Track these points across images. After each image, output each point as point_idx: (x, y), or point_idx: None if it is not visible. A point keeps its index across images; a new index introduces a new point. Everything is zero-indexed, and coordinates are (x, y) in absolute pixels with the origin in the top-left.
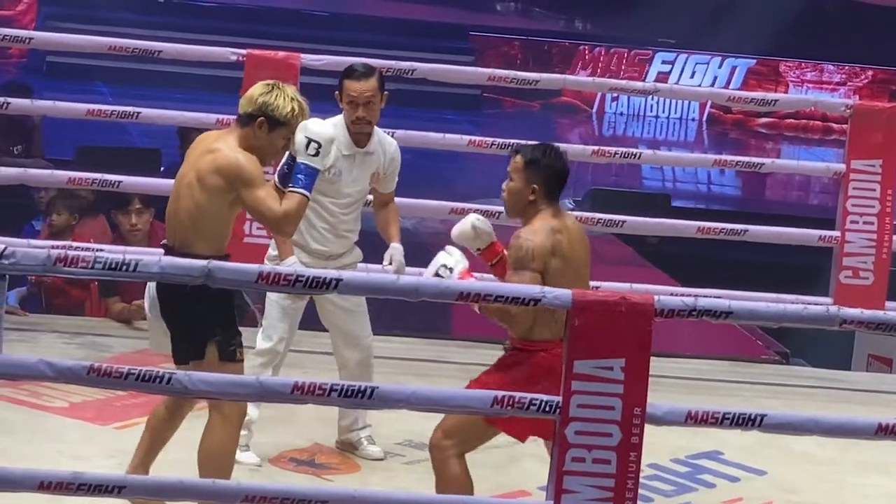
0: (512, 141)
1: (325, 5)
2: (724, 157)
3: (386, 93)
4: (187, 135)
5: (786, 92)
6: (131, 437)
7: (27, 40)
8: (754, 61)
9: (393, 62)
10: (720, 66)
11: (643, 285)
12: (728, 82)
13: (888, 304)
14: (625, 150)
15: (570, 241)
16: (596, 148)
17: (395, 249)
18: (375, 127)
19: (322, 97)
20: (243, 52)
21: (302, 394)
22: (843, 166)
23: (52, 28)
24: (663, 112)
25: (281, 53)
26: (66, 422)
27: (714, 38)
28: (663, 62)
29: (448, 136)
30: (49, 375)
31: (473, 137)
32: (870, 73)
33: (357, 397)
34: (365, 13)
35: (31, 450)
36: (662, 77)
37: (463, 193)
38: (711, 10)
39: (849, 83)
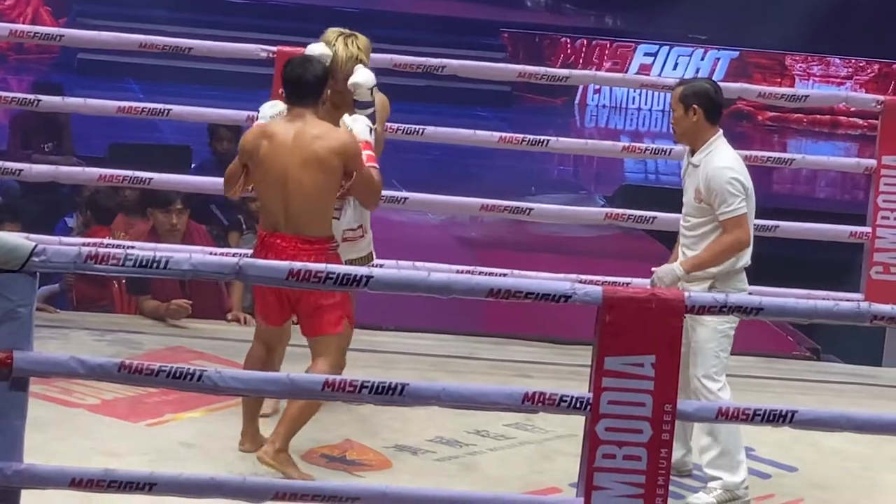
0: (542, 137)
1: (355, 2)
2: (754, 153)
3: (695, 106)
4: (217, 131)
5: (791, 85)
6: (163, 434)
7: (58, 37)
8: (737, 53)
9: (424, 59)
10: (702, 59)
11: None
12: (711, 74)
13: None
14: (655, 146)
15: (275, 143)
16: (627, 144)
17: (664, 268)
18: (715, 143)
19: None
20: (274, 48)
21: (333, 391)
22: (873, 162)
23: (83, 25)
24: (645, 104)
25: None
26: (97, 419)
27: (745, 32)
28: (645, 54)
29: (479, 132)
30: (80, 372)
31: (504, 134)
32: (875, 66)
33: (388, 394)
34: (396, 10)
35: (62, 447)
36: (645, 69)
37: (493, 190)
38: (739, 7)
39: (855, 77)
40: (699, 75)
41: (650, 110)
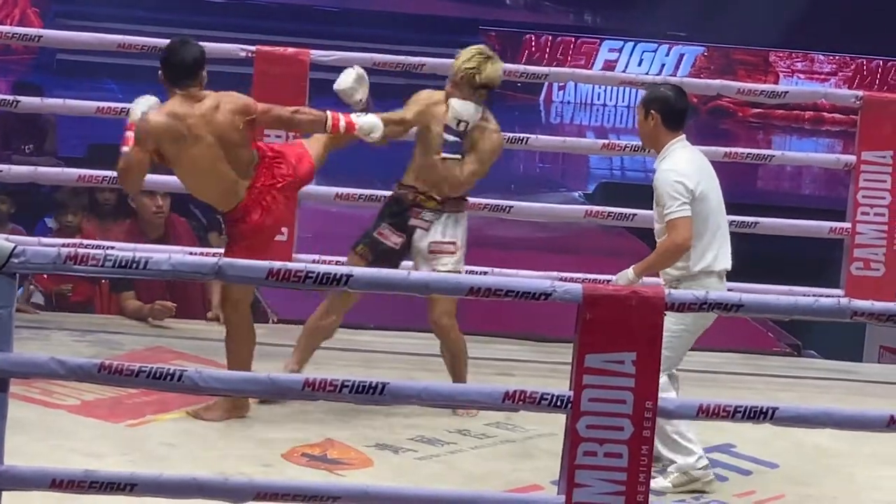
0: (522, 135)
1: (336, 1)
2: (734, 149)
3: (652, 112)
4: None
5: (776, 82)
6: (144, 435)
7: (37, 38)
8: (703, 49)
9: (403, 57)
10: (667, 55)
11: (654, 279)
12: (676, 70)
13: None
14: (635, 143)
15: (198, 125)
16: (606, 141)
17: (620, 273)
18: (672, 147)
19: (332, 92)
20: (252, 48)
21: (313, 390)
22: (853, 157)
23: (61, 26)
24: (611, 100)
25: (290, 49)
26: (78, 420)
27: (721, 30)
28: (610, 50)
29: None
30: (60, 373)
31: None
32: (859, 62)
33: (368, 393)
34: (375, 8)
35: (43, 448)
36: (610, 65)
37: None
38: (723, 3)
39: (839, 73)
40: (664, 72)
41: (615, 106)
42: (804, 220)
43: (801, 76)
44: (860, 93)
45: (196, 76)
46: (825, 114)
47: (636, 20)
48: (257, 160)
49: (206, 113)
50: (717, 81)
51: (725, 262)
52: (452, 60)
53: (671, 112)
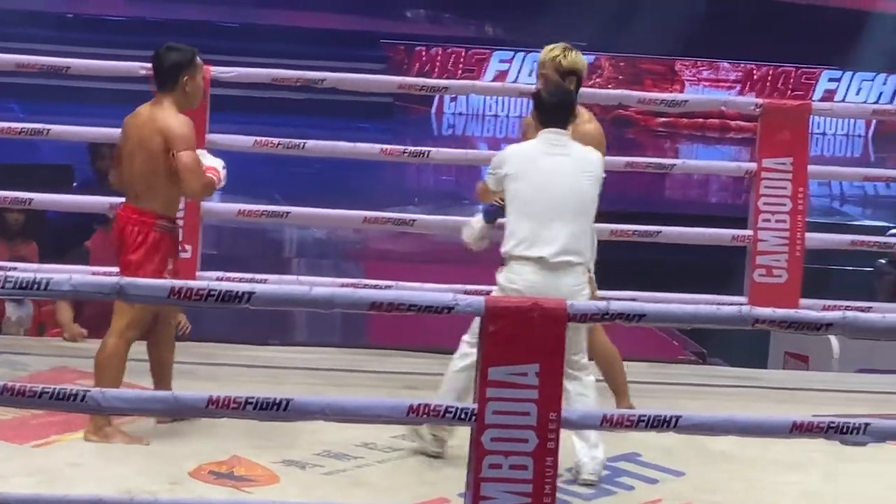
0: (424, 149)
1: (235, 16)
2: (634, 159)
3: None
4: (98, 150)
5: (682, 91)
6: (50, 455)
7: None
8: (592, 58)
9: (302, 72)
10: None
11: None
12: None
13: (802, 301)
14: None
15: (129, 126)
16: None
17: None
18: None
19: (232, 108)
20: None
21: (217, 408)
22: (754, 165)
23: None
24: (503, 111)
25: None
26: None
27: (621, 38)
28: (501, 61)
29: (359, 145)
30: None
31: (385, 146)
32: (764, 70)
33: (273, 410)
34: (275, 23)
35: None
36: (500, 76)
37: (376, 202)
38: (618, 13)
39: (746, 81)
40: None
41: (507, 117)
42: (709, 227)
43: (707, 84)
44: (760, 100)
45: (164, 82)
46: (730, 122)
47: (541, 32)
48: (168, 207)
49: (139, 121)
50: (618, 91)
51: (533, 251)
52: (352, 75)
53: (540, 108)
